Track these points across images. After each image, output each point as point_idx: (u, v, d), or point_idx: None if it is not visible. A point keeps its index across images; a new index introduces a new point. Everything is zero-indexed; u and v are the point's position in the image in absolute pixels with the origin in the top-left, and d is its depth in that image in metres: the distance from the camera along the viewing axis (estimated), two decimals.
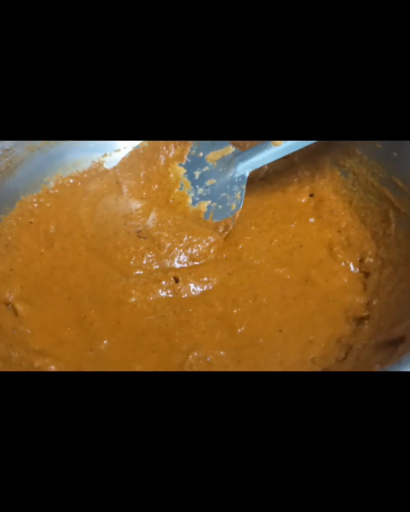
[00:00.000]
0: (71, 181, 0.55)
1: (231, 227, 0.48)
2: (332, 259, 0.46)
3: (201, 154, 0.52)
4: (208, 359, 0.38)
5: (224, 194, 0.49)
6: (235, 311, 0.42)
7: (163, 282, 0.43)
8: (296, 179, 0.54)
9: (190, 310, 0.42)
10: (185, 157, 0.53)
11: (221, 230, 0.48)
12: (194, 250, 0.47)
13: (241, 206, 0.48)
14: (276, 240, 0.48)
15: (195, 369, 0.37)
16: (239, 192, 0.49)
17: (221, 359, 0.38)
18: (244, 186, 0.48)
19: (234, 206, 0.49)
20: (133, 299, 0.42)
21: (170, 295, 0.43)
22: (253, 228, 0.49)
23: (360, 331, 0.39)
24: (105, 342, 0.40)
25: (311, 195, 0.53)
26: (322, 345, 0.39)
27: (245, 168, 0.49)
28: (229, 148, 0.50)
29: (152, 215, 0.50)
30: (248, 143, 0.53)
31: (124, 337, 0.40)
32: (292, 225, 0.49)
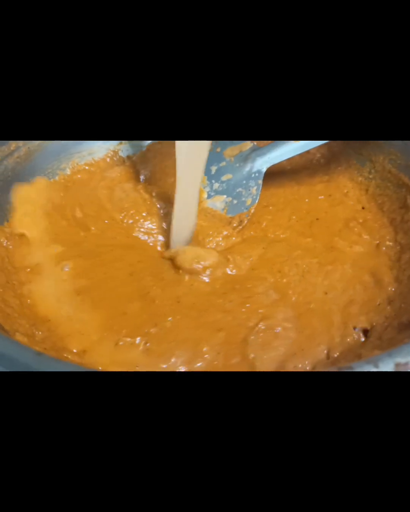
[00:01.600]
0: (86, 168, 0.55)
1: (245, 222, 0.48)
2: (349, 231, 0.48)
3: (219, 149, 0.52)
4: (277, 330, 0.38)
5: (240, 189, 0.50)
6: (285, 281, 0.43)
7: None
8: (310, 167, 0.55)
9: (249, 285, 0.42)
10: None
11: (234, 225, 0.49)
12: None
13: (257, 201, 0.49)
14: (294, 217, 0.50)
15: (261, 340, 0.37)
16: (255, 187, 0.49)
17: (287, 331, 0.38)
18: (260, 181, 0.49)
19: (249, 201, 0.49)
20: (187, 277, 0.43)
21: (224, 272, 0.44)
22: (270, 208, 0.51)
23: (383, 311, 0.40)
24: (169, 318, 0.39)
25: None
26: (360, 306, 0.41)
27: (263, 163, 0.49)
28: (247, 143, 0.50)
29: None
30: None
31: (187, 314, 0.40)
32: (306, 200, 0.52)
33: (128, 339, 0.38)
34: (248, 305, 0.40)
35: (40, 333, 0.37)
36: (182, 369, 0.36)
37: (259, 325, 0.38)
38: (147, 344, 0.37)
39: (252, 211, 0.48)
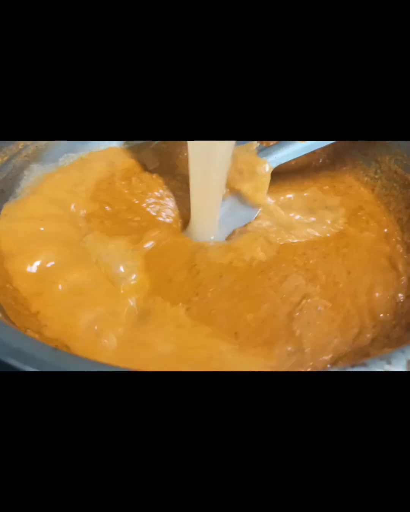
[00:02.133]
0: None
1: (253, 218, 0.49)
2: (357, 219, 0.49)
3: None
4: (319, 309, 0.39)
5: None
6: (311, 262, 0.44)
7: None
8: (316, 167, 0.55)
9: (283, 265, 0.43)
10: None
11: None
12: None
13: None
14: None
15: (305, 317, 0.38)
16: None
17: (328, 310, 0.39)
18: (268, 180, 0.48)
19: None
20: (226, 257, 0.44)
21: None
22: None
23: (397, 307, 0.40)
24: (210, 289, 0.40)
25: None
26: (383, 288, 0.42)
27: (271, 162, 0.49)
28: (253, 143, 0.50)
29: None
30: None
31: (229, 288, 0.41)
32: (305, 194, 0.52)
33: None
34: (286, 282, 0.41)
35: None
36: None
37: (303, 302, 0.39)
38: (189, 310, 0.39)
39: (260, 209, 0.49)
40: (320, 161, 0.56)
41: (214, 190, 0.45)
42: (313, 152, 0.53)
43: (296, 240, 0.46)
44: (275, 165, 0.49)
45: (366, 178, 0.52)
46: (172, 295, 0.40)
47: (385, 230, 0.48)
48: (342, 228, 0.48)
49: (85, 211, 0.48)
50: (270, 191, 0.49)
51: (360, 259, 0.44)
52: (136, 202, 0.50)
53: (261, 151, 0.50)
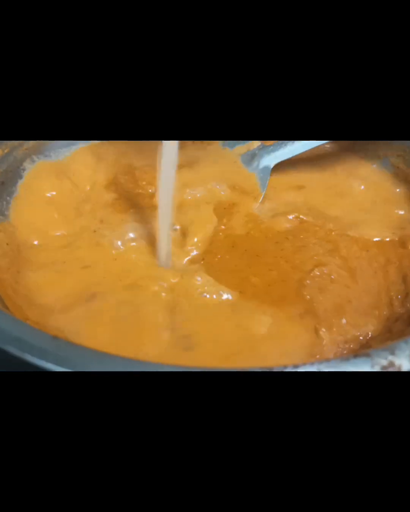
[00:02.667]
0: None
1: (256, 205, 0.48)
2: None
3: (227, 149, 0.53)
4: (332, 277, 0.39)
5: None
6: (333, 234, 0.43)
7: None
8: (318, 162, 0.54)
9: (301, 236, 0.43)
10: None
11: None
12: None
13: (264, 192, 0.48)
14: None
15: (317, 284, 0.38)
16: (262, 182, 0.49)
17: (343, 278, 0.39)
18: (268, 177, 0.49)
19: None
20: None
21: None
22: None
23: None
24: (219, 256, 0.41)
25: None
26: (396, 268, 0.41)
27: (270, 160, 0.50)
28: (254, 142, 0.51)
29: None
30: None
31: (239, 255, 0.41)
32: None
33: None
34: (301, 253, 0.41)
35: None
36: (228, 295, 0.38)
37: (315, 271, 0.39)
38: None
39: (260, 200, 0.48)
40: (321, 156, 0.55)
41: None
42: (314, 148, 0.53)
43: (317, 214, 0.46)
44: (276, 161, 0.49)
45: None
46: None
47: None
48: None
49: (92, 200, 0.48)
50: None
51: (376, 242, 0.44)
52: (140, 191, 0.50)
53: (261, 149, 0.50)
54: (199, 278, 0.38)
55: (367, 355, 0.26)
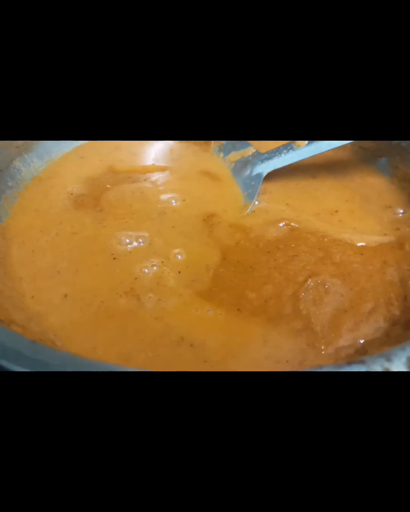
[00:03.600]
0: None
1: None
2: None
3: (221, 155, 0.52)
4: (326, 286, 0.38)
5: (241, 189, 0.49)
6: (326, 240, 0.42)
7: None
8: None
9: (293, 245, 0.41)
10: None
11: None
12: None
13: (254, 200, 0.47)
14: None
15: (311, 296, 0.37)
16: (254, 189, 0.48)
17: (337, 287, 0.38)
18: (259, 184, 0.48)
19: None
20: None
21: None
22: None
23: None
24: (212, 270, 0.39)
25: None
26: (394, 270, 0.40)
27: (263, 168, 0.49)
28: (250, 149, 0.51)
29: None
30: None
31: (233, 269, 0.40)
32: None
33: None
34: (293, 262, 0.40)
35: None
36: (210, 312, 0.36)
37: (308, 282, 0.38)
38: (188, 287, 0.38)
39: (249, 209, 0.47)
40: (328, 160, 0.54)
41: None
42: None
43: (310, 219, 0.45)
44: (269, 170, 0.48)
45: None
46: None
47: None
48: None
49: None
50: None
51: (372, 244, 0.43)
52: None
53: (256, 156, 0.50)
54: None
55: (362, 362, 0.25)
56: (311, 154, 0.46)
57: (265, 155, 0.49)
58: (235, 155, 0.51)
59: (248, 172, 0.49)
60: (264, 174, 0.48)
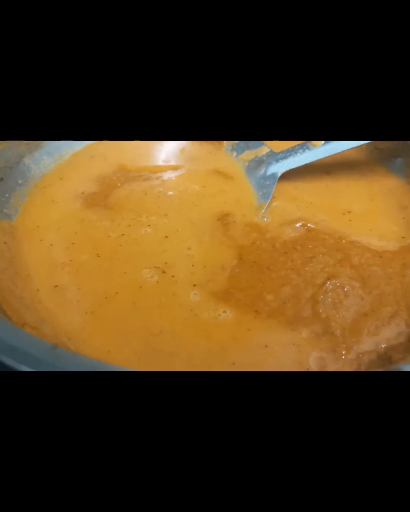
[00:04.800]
0: None
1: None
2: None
3: (234, 154, 0.51)
4: (346, 289, 0.37)
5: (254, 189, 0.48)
6: (343, 242, 0.41)
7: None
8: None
9: (310, 246, 0.40)
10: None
11: None
12: None
13: (269, 201, 0.46)
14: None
15: (330, 299, 0.36)
16: (269, 189, 0.47)
17: (356, 290, 0.37)
18: (274, 184, 0.47)
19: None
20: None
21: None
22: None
23: None
24: (228, 270, 0.38)
25: None
26: None
27: (278, 167, 0.47)
28: (263, 148, 0.50)
29: None
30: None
31: (249, 269, 0.39)
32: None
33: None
34: (311, 264, 0.39)
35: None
36: (225, 314, 0.35)
37: (327, 284, 0.37)
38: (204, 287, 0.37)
39: (263, 210, 0.46)
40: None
41: None
42: None
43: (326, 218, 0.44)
44: (284, 170, 0.47)
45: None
46: None
47: None
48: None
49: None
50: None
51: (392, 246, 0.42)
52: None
53: (270, 156, 0.49)
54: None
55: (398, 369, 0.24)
56: (327, 154, 0.46)
57: (280, 154, 0.48)
58: (248, 155, 0.50)
59: (262, 171, 0.48)
60: (279, 174, 0.47)
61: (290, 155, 0.47)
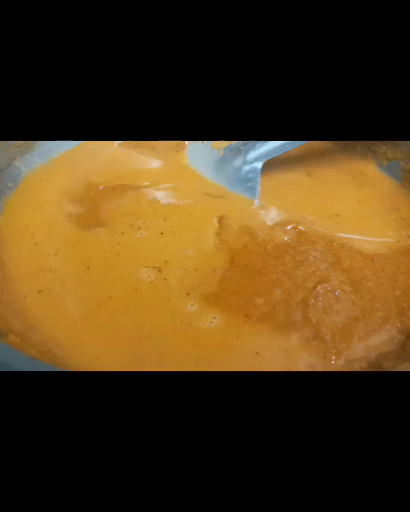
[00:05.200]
0: None
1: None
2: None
3: (204, 141, 0.49)
4: (336, 293, 0.37)
5: (238, 188, 0.46)
6: (334, 244, 0.41)
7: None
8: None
9: (301, 249, 0.40)
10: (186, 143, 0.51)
11: None
12: None
13: (257, 196, 0.45)
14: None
15: (321, 303, 0.36)
16: (253, 182, 0.46)
17: (347, 294, 0.37)
18: (258, 179, 0.45)
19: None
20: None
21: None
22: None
23: None
24: (220, 272, 0.38)
25: None
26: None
27: (257, 158, 0.46)
28: None
29: None
30: None
31: (240, 272, 0.38)
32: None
33: None
34: (302, 267, 0.39)
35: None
36: (215, 319, 0.35)
37: (318, 288, 0.37)
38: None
39: (253, 206, 0.45)
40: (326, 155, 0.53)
41: None
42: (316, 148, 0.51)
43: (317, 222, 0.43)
44: (264, 160, 0.46)
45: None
46: None
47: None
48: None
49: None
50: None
51: (384, 246, 0.42)
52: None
53: (245, 144, 0.47)
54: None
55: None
56: (306, 141, 0.45)
57: (257, 143, 0.46)
58: (221, 142, 0.48)
59: (240, 160, 0.47)
60: (260, 167, 0.46)
61: (265, 144, 0.46)
